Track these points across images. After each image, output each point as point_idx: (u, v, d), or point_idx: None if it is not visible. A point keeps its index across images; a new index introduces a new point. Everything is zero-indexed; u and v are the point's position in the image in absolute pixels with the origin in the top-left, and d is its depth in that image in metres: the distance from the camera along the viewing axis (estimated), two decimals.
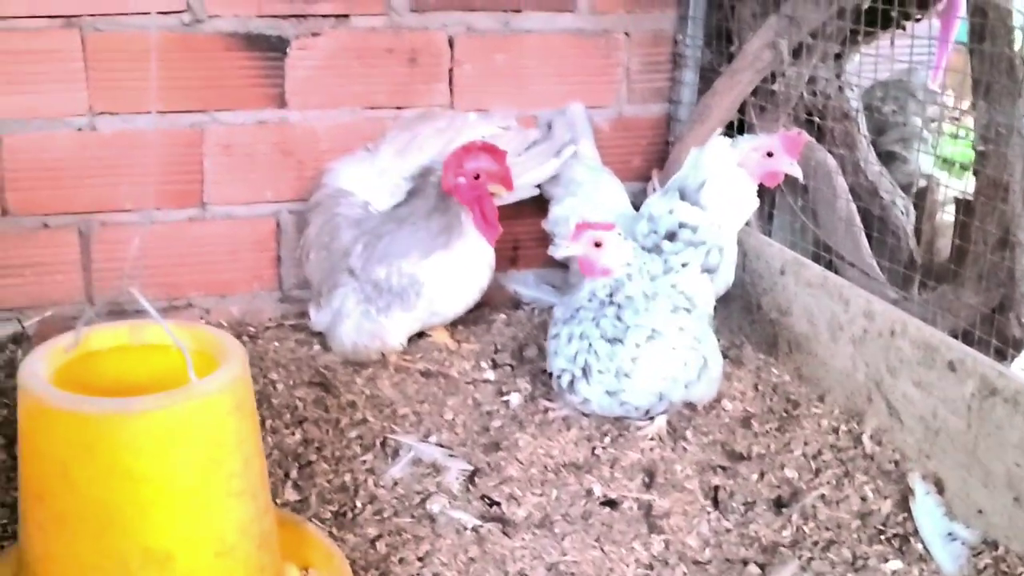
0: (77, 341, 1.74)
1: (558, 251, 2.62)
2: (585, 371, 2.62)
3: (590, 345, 2.61)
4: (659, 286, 2.72)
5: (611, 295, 2.61)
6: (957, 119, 3.25)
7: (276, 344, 3.13)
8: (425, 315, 3.04)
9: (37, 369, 1.65)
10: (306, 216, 3.15)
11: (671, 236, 2.77)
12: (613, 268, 2.60)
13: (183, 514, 1.63)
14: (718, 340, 2.84)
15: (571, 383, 2.64)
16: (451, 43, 3.28)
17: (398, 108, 3.28)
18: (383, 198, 3.12)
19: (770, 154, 2.82)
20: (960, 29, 3.60)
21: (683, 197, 2.80)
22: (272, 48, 3.11)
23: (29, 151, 2.99)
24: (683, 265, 2.78)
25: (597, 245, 2.58)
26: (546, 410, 2.79)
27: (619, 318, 2.61)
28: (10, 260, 3.05)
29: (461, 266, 3.01)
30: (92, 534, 1.61)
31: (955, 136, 3.58)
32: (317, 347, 3.12)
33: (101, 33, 2.94)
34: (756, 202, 2.94)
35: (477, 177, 2.94)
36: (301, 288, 3.31)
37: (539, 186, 3.29)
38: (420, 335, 3.15)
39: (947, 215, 3.38)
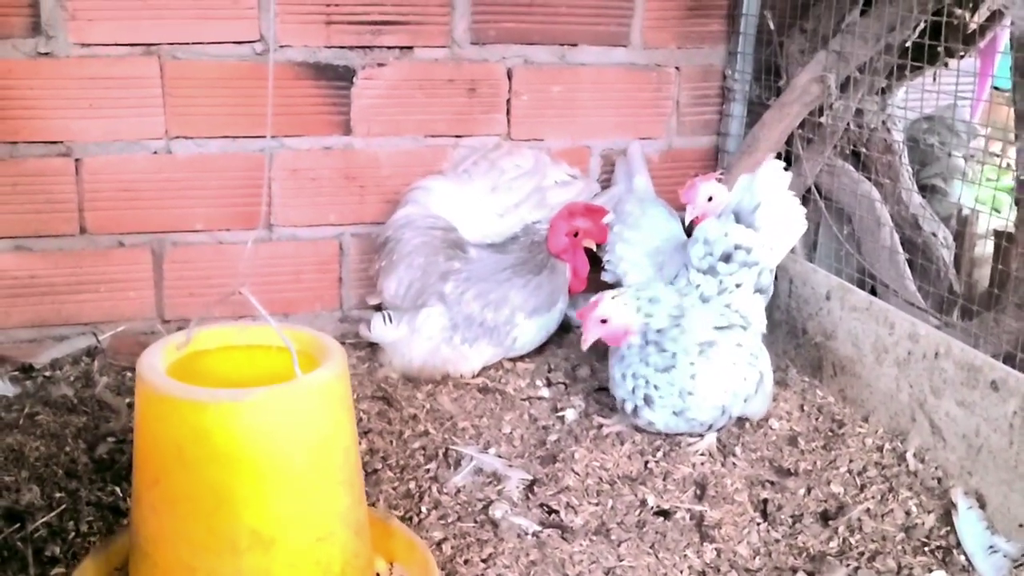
0: (188, 340, 1.88)
1: (584, 347, 2.76)
2: (647, 400, 2.73)
3: (647, 381, 2.71)
4: (711, 305, 2.83)
5: (644, 338, 2.72)
6: (997, 155, 3.30)
7: None
8: (508, 352, 3.19)
9: (154, 362, 1.78)
10: (394, 231, 3.19)
11: (727, 258, 2.83)
12: (631, 326, 2.71)
13: (289, 499, 1.74)
14: None
15: (635, 410, 2.76)
16: (509, 74, 3.39)
17: (458, 136, 3.39)
18: (473, 228, 3.25)
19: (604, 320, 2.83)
20: (1001, 66, 3.68)
21: (738, 220, 2.89)
22: (339, 77, 3.22)
23: (108, 172, 3.10)
24: (737, 285, 2.85)
25: (604, 322, 2.71)
26: (600, 426, 2.87)
27: (663, 349, 2.70)
28: (87, 276, 3.16)
29: (552, 319, 3.21)
30: (203, 516, 1.72)
31: (989, 181, 3.62)
32: (378, 364, 3.21)
33: (179, 61, 3.07)
34: (805, 225, 3.02)
35: (575, 235, 3.13)
36: (361, 308, 3.41)
37: None
38: None
39: (986, 248, 3.43)
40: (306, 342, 1.91)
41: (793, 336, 3.27)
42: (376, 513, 2.24)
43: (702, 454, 2.77)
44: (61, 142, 3.06)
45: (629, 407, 2.77)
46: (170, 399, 1.70)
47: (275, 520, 1.74)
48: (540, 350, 3.34)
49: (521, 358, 3.29)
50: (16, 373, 3.05)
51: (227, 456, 1.69)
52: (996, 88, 4.32)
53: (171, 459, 1.71)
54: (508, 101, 3.42)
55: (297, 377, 1.75)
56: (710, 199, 3.06)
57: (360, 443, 2.74)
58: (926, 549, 2.41)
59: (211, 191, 3.21)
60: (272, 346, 1.90)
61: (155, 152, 3.14)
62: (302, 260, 3.37)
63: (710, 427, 2.79)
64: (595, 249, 3.23)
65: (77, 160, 3.09)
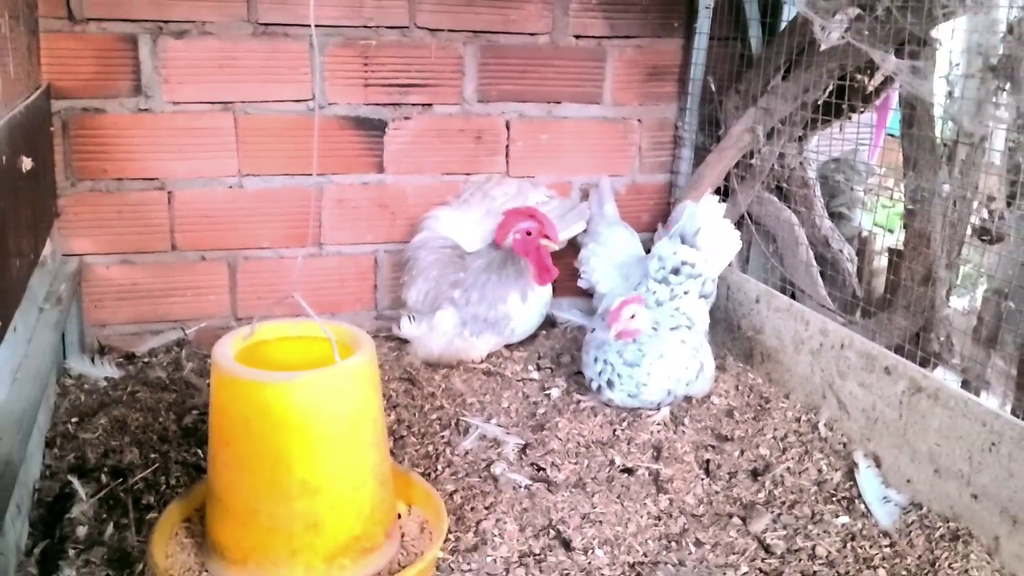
0: (252, 332, 1.87)
1: (610, 334, 2.66)
2: (609, 383, 2.70)
3: (613, 368, 2.69)
4: (665, 308, 2.81)
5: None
6: (890, 189, 3.28)
7: None
8: (507, 340, 3.15)
9: (226, 351, 1.77)
10: (413, 252, 3.17)
11: (676, 271, 2.83)
12: (642, 329, 2.67)
13: (330, 457, 1.73)
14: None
15: (599, 388, 2.74)
16: (508, 126, 3.36)
17: (467, 174, 3.36)
18: (472, 244, 3.22)
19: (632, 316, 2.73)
20: (892, 119, 3.67)
21: (683, 241, 2.87)
22: (374, 128, 3.20)
23: (193, 203, 3.08)
24: (685, 292, 2.84)
25: (632, 317, 2.67)
26: (578, 401, 2.85)
27: (639, 349, 2.68)
28: (177, 283, 3.15)
29: (535, 302, 3.14)
30: (264, 470, 1.71)
31: (885, 207, 3.62)
32: (404, 353, 3.19)
33: (249, 115, 3.05)
34: (739, 245, 3.00)
35: (529, 234, 3.06)
36: (392, 309, 3.39)
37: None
38: None
39: (881, 262, 3.41)
40: (344, 335, 1.90)
41: (730, 331, 3.24)
42: (400, 468, 2.23)
43: (658, 424, 2.74)
44: (157, 179, 3.05)
45: (595, 385, 2.75)
46: (237, 380, 1.68)
47: (320, 473, 1.73)
48: (532, 339, 3.32)
49: (516, 347, 3.26)
50: (121, 360, 3.04)
51: (282, 424, 1.68)
52: (890, 135, 4.30)
53: (238, 426, 1.70)
54: (507, 146, 3.39)
55: (336, 363, 1.73)
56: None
57: (389, 414, 2.72)
58: (834, 499, 2.40)
59: (274, 217, 3.19)
60: (318, 338, 1.88)
61: (230, 187, 3.12)
62: (345, 271, 3.34)
63: (660, 404, 2.77)
64: (552, 246, 3.14)
65: (169, 193, 3.07)
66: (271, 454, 1.71)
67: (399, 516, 2.11)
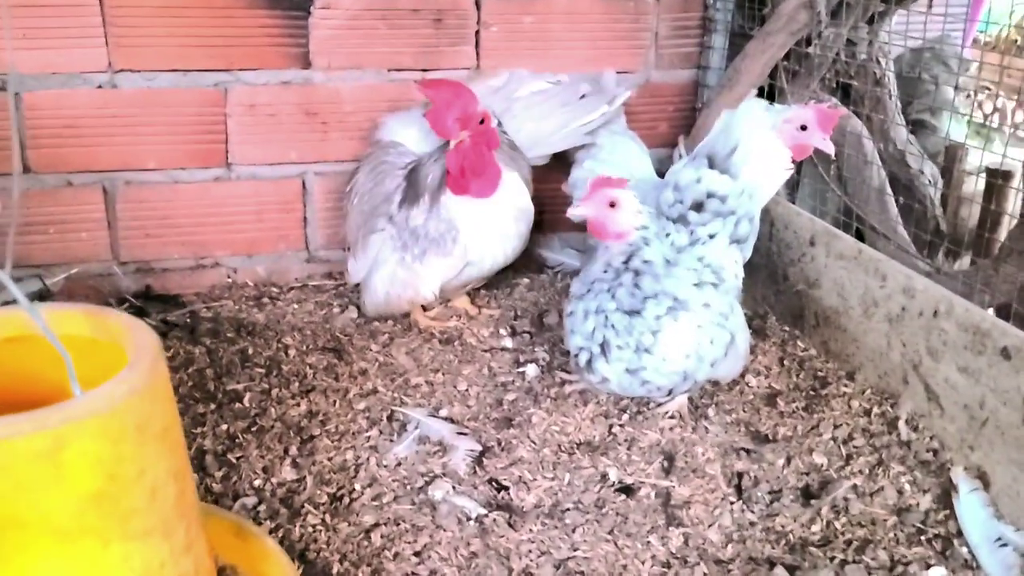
0: None
1: (573, 212, 1.98)
2: (604, 347, 1.98)
3: (606, 319, 1.97)
4: (684, 258, 2.06)
5: (627, 261, 1.96)
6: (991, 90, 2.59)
7: (296, 306, 2.56)
8: (460, 263, 2.39)
9: None
10: (354, 177, 2.54)
11: (698, 207, 2.06)
12: (627, 231, 1.95)
13: (63, 563, 1.02)
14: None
15: (589, 362, 2.00)
16: (478, 4, 2.66)
17: (424, 70, 2.66)
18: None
19: (803, 127, 2.12)
20: None
21: (712, 164, 2.10)
22: (295, 7, 2.52)
23: (49, 108, 2.44)
24: (710, 236, 2.08)
25: (612, 205, 1.94)
26: (563, 383, 2.20)
27: (637, 286, 1.96)
28: (34, 217, 2.51)
29: (495, 214, 2.38)
30: None
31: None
32: (337, 310, 2.55)
33: None
34: (791, 169, 2.23)
35: (482, 121, 2.29)
36: (327, 248, 2.74)
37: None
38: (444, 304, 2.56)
39: (976, 185, 2.73)
40: (113, 330, 1.16)
41: (773, 282, 2.54)
42: (247, 529, 1.51)
43: (671, 416, 2.09)
44: None
45: (583, 358, 2.01)
46: None
47: None
48: (509, 292, 2.68)
49: (488, 301, 2.62)
50: None
51: None
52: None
53: None
54: (477, 32, 2.70)
55: (72, 397, 1.01)
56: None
57: (299, 403, 2.10)
58: (922, 538, 1.79)
59: (163, 128, 2.54)
60: (75, 335, 1.16)
61: (99, 86, 2.46)
62: (263, 199, 2.69)
63: (670, 392, 2.06)
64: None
65: (15, 95, 2.42)
66: None
67: None
